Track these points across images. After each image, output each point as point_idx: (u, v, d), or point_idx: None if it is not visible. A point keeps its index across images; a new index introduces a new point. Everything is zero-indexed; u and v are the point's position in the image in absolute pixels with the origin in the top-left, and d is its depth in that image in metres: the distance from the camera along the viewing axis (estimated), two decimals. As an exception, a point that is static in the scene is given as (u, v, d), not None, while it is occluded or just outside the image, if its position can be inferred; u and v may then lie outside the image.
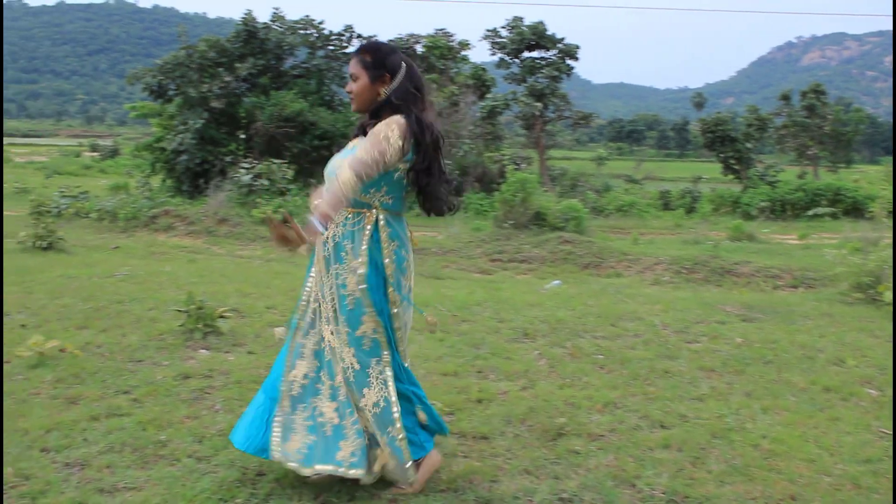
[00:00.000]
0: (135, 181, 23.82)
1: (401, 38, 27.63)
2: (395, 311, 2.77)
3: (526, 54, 30.12)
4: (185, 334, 4.95)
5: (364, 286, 2.68)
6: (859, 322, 6.13)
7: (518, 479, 2.99)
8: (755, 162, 32.05)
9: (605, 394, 4.06)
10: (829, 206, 23.47)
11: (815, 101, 39.26)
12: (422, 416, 2.88)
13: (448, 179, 2.84)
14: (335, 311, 2.74)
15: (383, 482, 2.84)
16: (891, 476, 3.07)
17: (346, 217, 2.74)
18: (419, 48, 27.32)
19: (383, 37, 35.96)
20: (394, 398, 2.74)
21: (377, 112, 2.76)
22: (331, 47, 26.17)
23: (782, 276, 9.87)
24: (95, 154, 47.63)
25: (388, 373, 2.76)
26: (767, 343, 5.27)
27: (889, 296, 6.72)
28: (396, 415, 2.74)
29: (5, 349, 4.50)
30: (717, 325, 5.90)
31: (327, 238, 2.75)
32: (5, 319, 5.29)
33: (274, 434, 2.79)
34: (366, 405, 2.72)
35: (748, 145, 32.32)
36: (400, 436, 2.74)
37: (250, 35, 23.52)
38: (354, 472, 2.70)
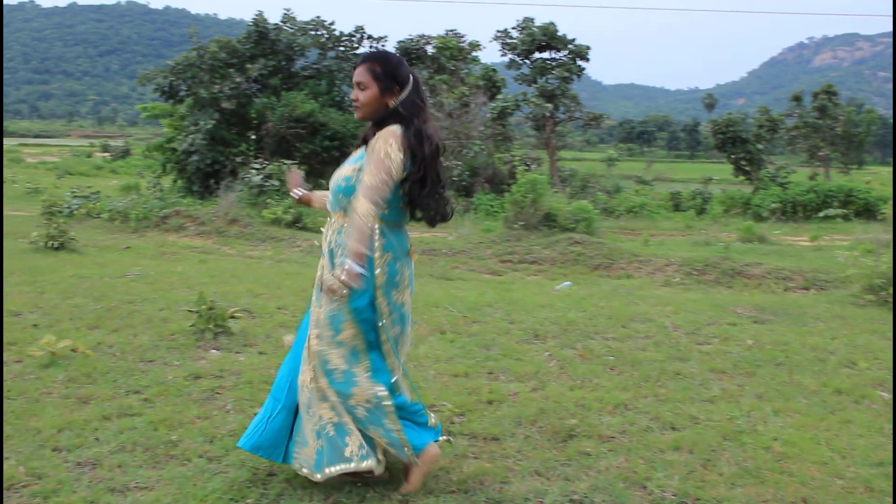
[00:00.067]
0: (146, 182, 24.00)
1: (411, 39, 27.64)
2: (382, 323, 2.75)
3: (536, 55, 30.09)
4: (196, 334, 4.97)
5: (345, 292, 2.62)
6: (871, 324, 6.10)
7: (528, 481, 2.99)
8: (766, 163, 31.90)
9: (615, 395, 4.05)
10: (841, 207, 23.33)
11: (826, 102, 39.10)
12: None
13: (443, 189, 2.84)
14: (325, 314, 2.74)
15: (394, 482, 2.85)
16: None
17: (343, 225, 2.73)
18: (430, 49, 27.35)
19: (394, 37, 36.05)
20: (384, 392, 2.73)
21: (381, 121, 2.77)
22: (341, 48, 26.21)
23: (793, 278, 9.82)
24: (107, 154, 47.85)
25: (370, 374, 2.75)
26: (779, 345, 5.25)
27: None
28: (390, 407, 2.73)
29: (18, 349, 4.53)
30: (727, 326, 5.88)
31: (324, 245, 2.80)
32: (17, 319, 5.33)
33: (296, 441, 2.84)
34: (357, 403, 2.72)
35: (759, 146, 32.22)
36: (395, 427, 2.74)
37: (261, 36, 23.58)
38: (367, 464, 2.72)
